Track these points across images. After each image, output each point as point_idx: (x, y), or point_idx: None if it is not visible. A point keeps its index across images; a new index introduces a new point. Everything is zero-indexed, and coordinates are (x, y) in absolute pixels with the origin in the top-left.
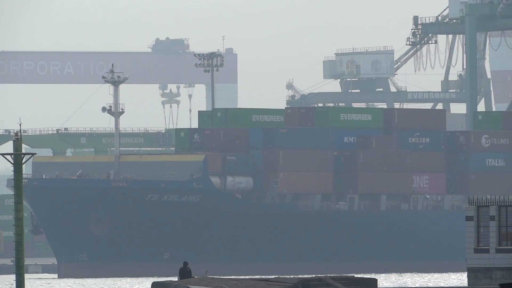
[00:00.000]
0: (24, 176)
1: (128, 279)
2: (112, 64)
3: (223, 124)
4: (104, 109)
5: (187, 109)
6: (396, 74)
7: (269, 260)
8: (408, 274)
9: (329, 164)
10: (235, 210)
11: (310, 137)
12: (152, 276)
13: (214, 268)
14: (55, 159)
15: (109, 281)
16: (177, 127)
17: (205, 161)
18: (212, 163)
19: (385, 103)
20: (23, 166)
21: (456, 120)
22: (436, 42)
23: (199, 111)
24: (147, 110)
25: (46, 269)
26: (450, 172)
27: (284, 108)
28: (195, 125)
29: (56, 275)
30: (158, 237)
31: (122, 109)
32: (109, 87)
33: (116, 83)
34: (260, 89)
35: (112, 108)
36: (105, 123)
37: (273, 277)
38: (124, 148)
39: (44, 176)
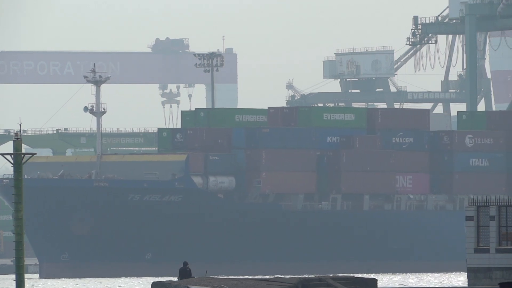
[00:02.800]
0: (5, 176)
1: (110, 280)
2: (94, 64)
3: (206, 124)
4: (86, 108)
5: (187, 109)
6: (396, 74)
7: (251, 260)
8: (391, 274)
9: (312, 164)
10: (217, 210)
11: (293, 137)
12: (134, 276)
13: (213, 268)
14: (37, 159)
15: (91, 281)
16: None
17: (187, 161)
18: (194, 163)
19: (385, 103)
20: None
21: (440, 120)
22: (436, 42)
23: (182, 111)
24: (147, 110)
25: None
26: (433, 172)
27: (267, 108)
28: None
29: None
30: (140, 237)
31: (104, 109)
32: (91, 87)
33: (98, 83)
34: (260, 89)
35: (94, 108)
36: (105, 123)
37: (273, 277)
38: (124, 148)
39: (26, 176)
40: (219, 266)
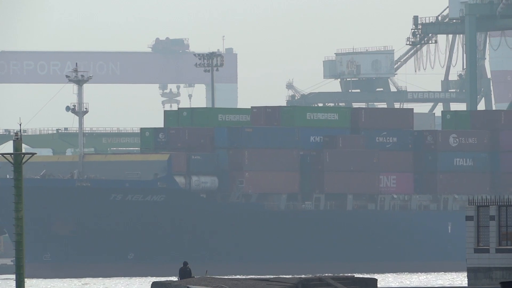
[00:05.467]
0: None
1: (93, 279)
2: (76, 63)
3: (189, 124)
4: (68, 108)
5: None
6: (396, 74)
7: (234, 260)
8: (376, 275)
9: (295, 163)
10: (200, 210)
11: (276, 137)
12: (117, 276)
13: (213, 268)
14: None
15: (74, 281)
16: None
17: (169, 160)
18: (176, 163)
19: (385, 103)
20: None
21: (424, 120)
22: (436, 42)
23: (164, 111)
24: (147, 110)
25: None
26: (417, 172)
27: (250, 107)
28: None
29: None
30: (122, 237)
31: (86, 108)
32: (73, 87)
33: (80, 82)
34: (260, 89)
35: (76, 108)
36: (105, 122)
37: (273, 276)
38: (124, 148)
39: (8, 176)
40: (218, 266)
